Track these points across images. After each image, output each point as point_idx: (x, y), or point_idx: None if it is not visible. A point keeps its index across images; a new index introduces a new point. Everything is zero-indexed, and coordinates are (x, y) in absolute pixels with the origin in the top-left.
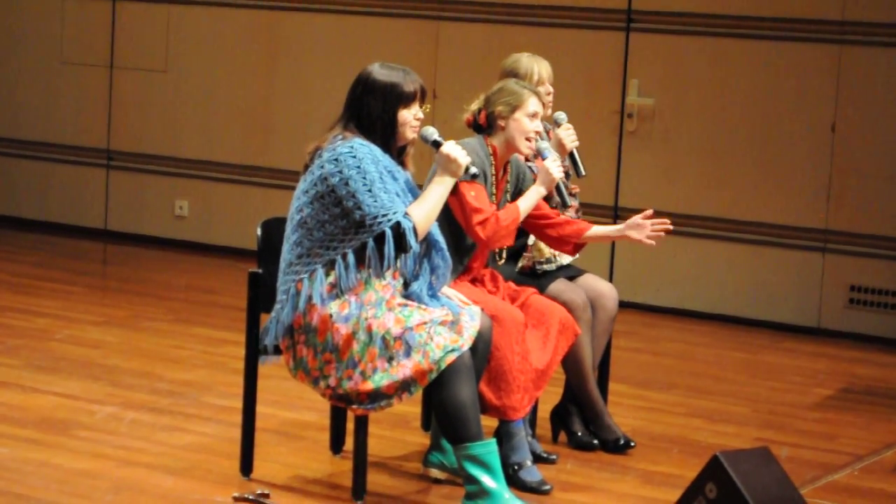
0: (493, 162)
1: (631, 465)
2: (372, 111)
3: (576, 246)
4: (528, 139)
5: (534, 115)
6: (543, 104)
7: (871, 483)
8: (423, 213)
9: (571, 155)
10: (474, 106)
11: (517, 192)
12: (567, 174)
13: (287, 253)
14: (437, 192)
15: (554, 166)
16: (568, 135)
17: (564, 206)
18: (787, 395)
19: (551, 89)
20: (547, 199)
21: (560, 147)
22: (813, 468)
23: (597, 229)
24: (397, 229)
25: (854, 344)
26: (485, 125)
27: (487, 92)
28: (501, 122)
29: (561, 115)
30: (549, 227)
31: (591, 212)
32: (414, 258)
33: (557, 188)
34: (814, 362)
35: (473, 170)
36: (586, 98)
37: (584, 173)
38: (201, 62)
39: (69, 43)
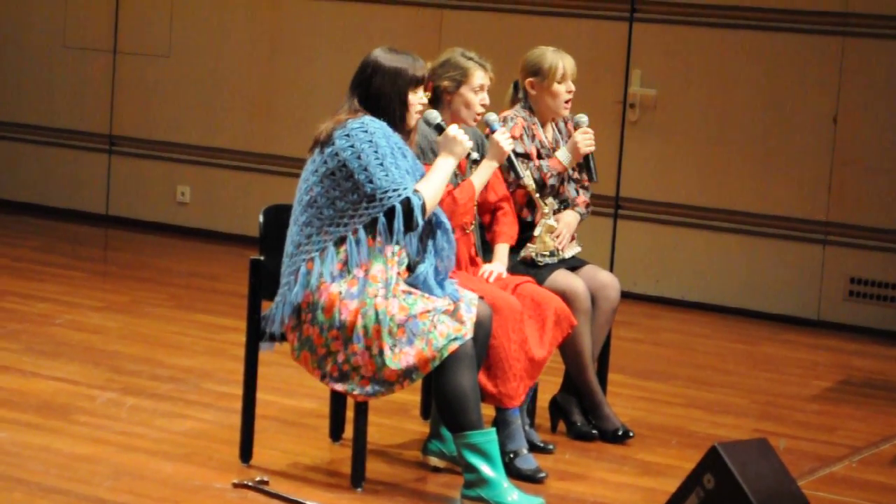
0: None
1: (629, 455)
2: (383, 93)
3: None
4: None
5: (480, 89)
6: (569, 95)
7: (868, 475)
8: (432, 192)
9: (587, 158)
10: None
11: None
12: (580, 171)
13: (295, 235)
14: (443, 170)
15: (503, 139)
16: (584, 139)
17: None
18: (786, 387)
19: (573, 87)
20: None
21: (574, 149)
22: (811, 460)
23: (501, 249)
24: (407, 205)
25: (853, 336)
26: (431, 97)
27: (433, 63)
28: (447, 97)
29: (582, 118)
30: (496, 217)
31: (592, 202)
32: (418, 238)
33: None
34: (813, 354)
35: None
36: (589, 88)
37: (595, 179)
38: (204, 47)
39: (72, 27)
